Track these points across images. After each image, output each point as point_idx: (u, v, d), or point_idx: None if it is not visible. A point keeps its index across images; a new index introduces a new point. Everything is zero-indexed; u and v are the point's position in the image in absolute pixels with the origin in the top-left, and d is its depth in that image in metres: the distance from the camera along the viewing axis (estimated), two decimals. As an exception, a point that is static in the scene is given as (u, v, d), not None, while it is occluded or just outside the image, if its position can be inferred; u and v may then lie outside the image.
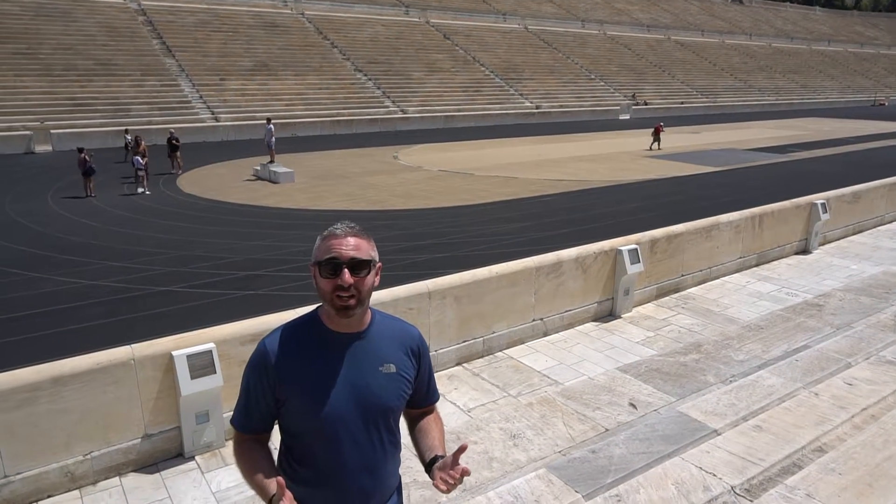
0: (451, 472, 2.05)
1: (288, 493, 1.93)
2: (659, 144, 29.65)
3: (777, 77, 69.40)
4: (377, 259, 2.12)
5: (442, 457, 2.15)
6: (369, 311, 2.18)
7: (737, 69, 67.17)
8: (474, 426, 4.98)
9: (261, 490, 2.05)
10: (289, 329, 2.17)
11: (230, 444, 5.63)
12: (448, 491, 2.05)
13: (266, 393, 2.11)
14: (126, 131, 24.07)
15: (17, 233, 13.41)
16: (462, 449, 2.07)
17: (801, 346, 6.65)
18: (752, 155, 28.54)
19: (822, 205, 12.33)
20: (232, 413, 2.22)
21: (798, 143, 33.18)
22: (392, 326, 2.24)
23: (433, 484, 2.07)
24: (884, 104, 68.84)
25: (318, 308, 2.19)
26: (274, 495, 1.96)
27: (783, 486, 3.79)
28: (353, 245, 2.04)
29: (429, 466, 2.17)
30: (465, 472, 2.04)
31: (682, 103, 52.66)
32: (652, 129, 30.41)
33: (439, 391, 2.51)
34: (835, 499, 3.63)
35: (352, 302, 2.02)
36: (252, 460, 2.12)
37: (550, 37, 58.06)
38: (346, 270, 2.00)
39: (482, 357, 7.50)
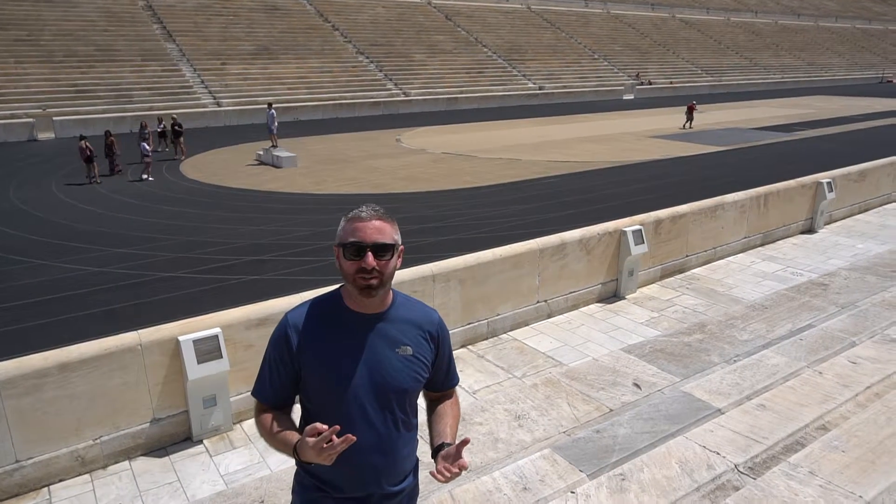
0: (448, 465, 2.07)
1: (311, 431, 1.94)
2: (691, 123, 30.12)
3: (783, 55, 68.64)
4: (400, 242, 2.15)
5: (449, 444, 2.17)
6: (391, 292, 2.21)
7: (742, 47, 66.43)
8: (479, 407, 5.01)
9: (284, 444, 2.10)
10: (311, 306, 2.21)
11: (238, 427, 5.69)
12: (446, 482, 2.08)
13: (286, 365, 2.16)
14: (159, 119, 23.85)
15: (22, 220, 13.45)
16: (464, 442, 2.09)
17: (806, 325, 6.65)
18: (757, 134, 28.33)
19: (828, 184, 12.26)
20: (252, 387, 2.27)
21: (804, 122, 32.91)
22: (412, 309, 2.26)
23: (431, 473, 2.09)
24: (892, 81, 68.06)
25: (340, 287, 2.22)
26: (298, 441, 2.03)
27: (786, 464, 3.81)
28: (377, 228, 2.07)
29: (435, 453, 2.19)
30: (463, 467, 2.07)
31: (671, 83, 51.71)
32: (686, 108, 30.87)
33: None
34: (838, 476, 3.65)
35: (374, 282, 2.06)
36: (273, 421, 2.17)
37: (553, 16, 57.47)
38: (369, 253, 2.04)
39: (487, 339, 7.53)
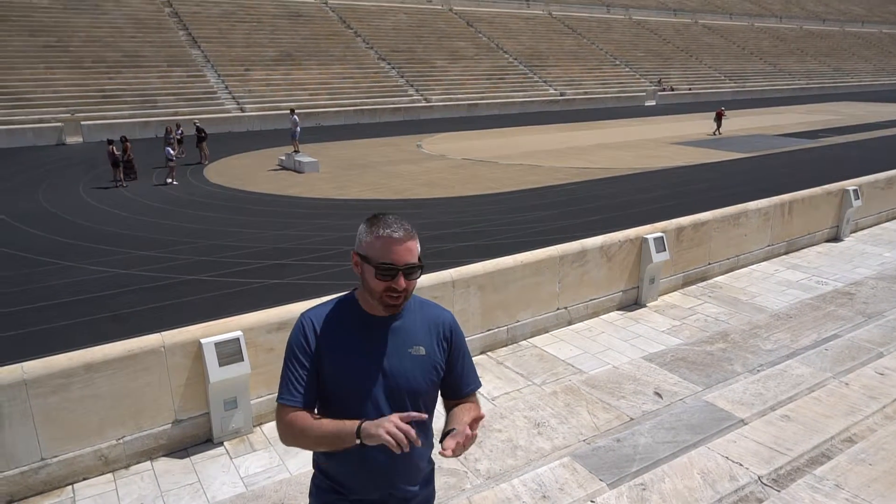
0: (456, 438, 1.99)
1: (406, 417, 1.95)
2: (720, 129, 30.08)
3: (808, 60, 67.74)
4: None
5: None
6: None
7: (766, 53, 65.69)
8: (498, 414, 4.99)
9: (338, 434, 2.03)
10: (327, 306, 2.22)
11: (258, 430, 5.73)
12: (451, 456, 1.99)
13: (310, 361, 2.15)
14: (178, 125, 23.89)
15: (50, 222, 13.71)
16: (478, 418, 2.06)
17: (831, 335, 6.54)
18: (781, 140, 27.97)
19: (854, 191, 12.05)
20: (278, 395, 2.18)
21: (830, 128, 32.41)
22: (426, 310, 2.27)
23: (440, 453, 2.01)
24: (920, 87, 66.83)
25: (354, 290, 2.24)
26: (361, 423, 1.97)
27: (811, 477, 3.74)
28: (409, 249, 2.07)
29: (443, 438, 2.12)
30: (470, 436, 2.00)
31: (689, 89, 51.26)
32: (714, 114, 30.83)
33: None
34: (864, 489, 3.58)
35: (400, 301, 2.09)
36: (312, 417, 2.11)
37: (575, 22, 57.34)
38: (401, 276, 2.05)
39: (506, 346, 7.51)
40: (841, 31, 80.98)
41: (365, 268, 2.10)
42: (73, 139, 27.27)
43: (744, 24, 72.02)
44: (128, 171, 18.65)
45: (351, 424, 2.01)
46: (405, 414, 1.96)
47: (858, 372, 5.27)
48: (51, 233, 12.90)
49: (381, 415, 2.11)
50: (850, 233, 12.44)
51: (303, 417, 2.11)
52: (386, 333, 2.16)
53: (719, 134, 29.55)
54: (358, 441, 1.98)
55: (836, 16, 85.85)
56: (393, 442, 1.88)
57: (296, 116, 23.86)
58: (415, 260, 2.07)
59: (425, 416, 2.01)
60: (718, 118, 30.13)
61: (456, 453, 1.99)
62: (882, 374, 5.17)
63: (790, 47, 69.72)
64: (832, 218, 12.06)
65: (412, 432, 1.90)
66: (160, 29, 36.42)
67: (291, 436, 2.13)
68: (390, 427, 1.90)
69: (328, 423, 2.07)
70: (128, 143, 18.90)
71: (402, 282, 2.05)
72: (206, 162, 21.76)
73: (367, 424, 1.96)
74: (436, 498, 2.47)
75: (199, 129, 21.96)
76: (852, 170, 17.50)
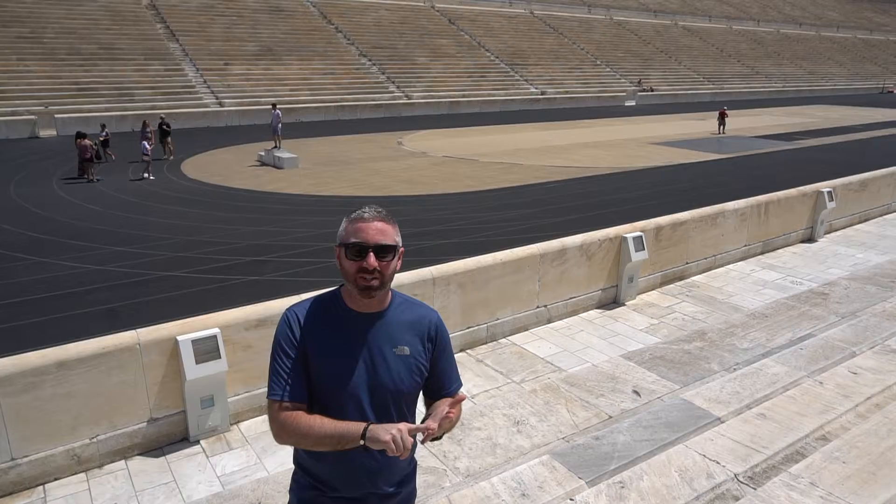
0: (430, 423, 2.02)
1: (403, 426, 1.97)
2: (724, 128, 30.64)
3: (785, 63, 68.75)
4: (401, 244, 2.15)
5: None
6: (390, 292, 2.20)
7: (744, 55, 66.55)
8: (478, 412, 4.99)
9: (341, 437, 2.01)
10: (311, 303, 2.20)
11: (235, 428, 5.66)
12: (433, 433, 2.01)
13: (298, 354, 2.11)
14: (103, 126, 21.73)
15: (23, 217, 13.43)
16: (459, 399, 2.11)
17: (806, 334, 6.64)
18: (758, 142, 28.36)
19: (829, 193, 12.26)
20: (269, 392, 2.13)
21: (805, 131, 32.93)
22: (411, 309, 2.25)
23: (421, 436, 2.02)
24: (893, 91, 68.13)
25: (339, 287, 2.22)
26: (367, 426, 1.97)
27: (787, 474, 3.79)
28: (379, 230, 2.08)
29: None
30: (450, 413, 2.05)
31: (650, 89, 51.80)
32: (717, 114, 31.44)
33: None
34: (838, 487, 3.63)
35: (374, 283, 2.06)
36: (309, 416, 2.07)
37: (556, 22, 57.58)
38: (371, 254, 2.04)
39: (486, 343, 7.51)
40: (817, 36, 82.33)
41: (340, 254, 2.10)
42: (46, 132, 26.74)
43: (722, 27, 72.88)
44: (81, 169, 17.64)
45: (356, 427, 2.00)
46: (415, 427, 1.98)
47: (832, 371, 5.35)
48: (23, 228, 12.64)
49: (363, 413, 2.10)
50: (825, 234, 12.65)
51: (300, 417, 2.07)
52: (370, 331, 2.14)
53: (723, 133, 30.16)
54: (362, 442, 1.98)
55: (812, 20, 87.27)
56: (395, 450, 1.92)
57: (278, 111, 23.68)
58: (387, 241, 2.07)
59: (434, 426, 2.00)
60: (721, 118, 30.62)
61: (437, 431, 2.02)
62: (855, 374, 5.26)
63: (767, 50, 70.72)
64: (807, 219, 12.25)
65: (410, 445, 1.93)
66: (137, 21, 35.86)
67: (287, 435, 2.08)
68: (397, 436, 1.92)
69: (329, 424, 2.03)
70: (82, 141, 17.65)
71: (371, 260, 2.03)
72: (171, 157, 21.27)
73: (375, 430, 1.95)
74: (416, 495, 2.46)
75: (164, 124, 21.57)
76: (827, 172, 17.79)
